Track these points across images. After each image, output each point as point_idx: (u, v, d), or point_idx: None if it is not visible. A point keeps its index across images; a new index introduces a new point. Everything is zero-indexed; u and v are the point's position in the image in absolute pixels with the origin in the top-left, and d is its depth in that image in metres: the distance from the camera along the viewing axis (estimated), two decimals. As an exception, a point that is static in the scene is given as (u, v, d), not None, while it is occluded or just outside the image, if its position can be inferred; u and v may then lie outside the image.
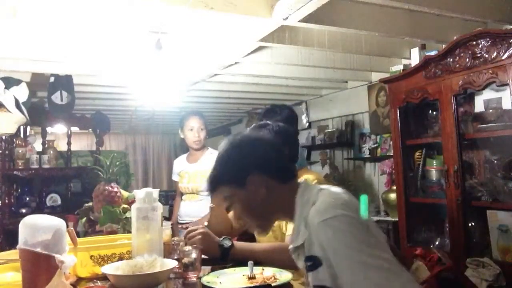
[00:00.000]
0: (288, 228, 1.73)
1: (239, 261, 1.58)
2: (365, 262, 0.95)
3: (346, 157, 4.48)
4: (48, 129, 4.31)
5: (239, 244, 1.70)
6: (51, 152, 3.97)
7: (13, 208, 3.74)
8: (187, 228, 2.06)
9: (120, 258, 1.50)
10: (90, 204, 2.08)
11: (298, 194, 1.16)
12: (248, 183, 1.15)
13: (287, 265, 1.53)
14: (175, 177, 3.29)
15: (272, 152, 1.22)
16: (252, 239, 1.98)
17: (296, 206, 1.15)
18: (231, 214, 2.07)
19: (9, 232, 3.31)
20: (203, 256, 1.58)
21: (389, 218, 3.43)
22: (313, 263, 1.06)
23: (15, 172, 3.61)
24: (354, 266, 0.95)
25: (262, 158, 1.19)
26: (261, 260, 1.55)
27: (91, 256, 1.47)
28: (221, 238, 1.69)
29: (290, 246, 1.19)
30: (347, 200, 1.06)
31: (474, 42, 2.32)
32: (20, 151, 3.64)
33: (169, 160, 7.91)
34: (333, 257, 0.99)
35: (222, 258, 1.65)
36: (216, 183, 1.21)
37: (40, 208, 3.88)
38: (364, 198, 3.16)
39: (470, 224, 2.45)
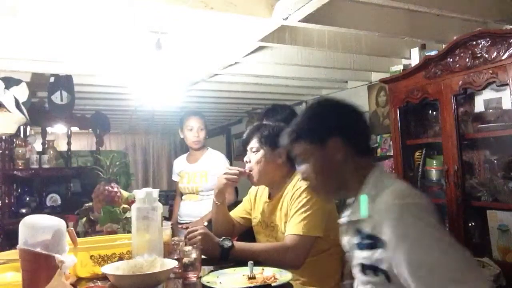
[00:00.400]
0: (287, 228, 1.73)
1: (239, 261, 1.58)
2: (446, 250, 0.96)
3: (346, 157, 4.46)
4: (48, 129, 4.31)
5: (239, 244, 1.70)
6: (51, 152, 3.97)
7: (13, 208, 3.74)
8: (187, 228, 2.07)
9: (120, 258, 1.50)
10: (90, 204, 2.09)
11: (374, 172, 1.16)
12: (328, 144, 1.16)
13: (287, 265, 1.53)
14: (175, 177, 3.29)
15: (360, 123, 1.22)
16: (252, 239, 1.98)
17: (366, 183, 1.14)
18: (232, 212, 2.08)
19: (9, 232, 3.31)
20: (203, 256, 1.58)
21: (389, 218, 3.43)
22: (374, 242, 1.06)
23: (15, 172, 3.61)
24: (434, 253, 0.96)
25: (349, 125, 1.19)
26: (261, 260, 1.55)
27: (91, 256, 1.47)
28: (221, 239, 1.68)
29: (343, 219, 1.20)
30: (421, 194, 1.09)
31: (474, 42, 2.31)
32: (20, 151, 3.64)
33: (169, 160, 7.90)
34: (407, 243, 0.98)
35: (222, 258, 1.65)
36: (297, 136, 1.21)
37: (40, 208, 3.89)
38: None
39: (470, 224, 2.45)
